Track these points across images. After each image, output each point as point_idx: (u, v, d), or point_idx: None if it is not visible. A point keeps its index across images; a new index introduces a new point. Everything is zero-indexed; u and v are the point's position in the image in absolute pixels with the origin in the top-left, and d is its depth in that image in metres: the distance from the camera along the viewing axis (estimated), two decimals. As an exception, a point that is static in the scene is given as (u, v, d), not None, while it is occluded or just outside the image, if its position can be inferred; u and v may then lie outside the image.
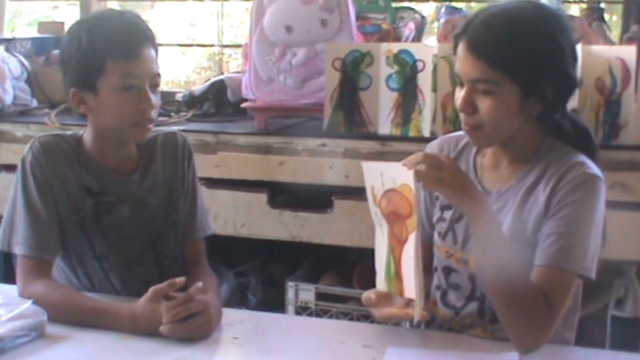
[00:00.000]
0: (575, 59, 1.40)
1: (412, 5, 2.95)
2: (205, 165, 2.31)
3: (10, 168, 2.24)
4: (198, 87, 2.84)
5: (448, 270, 1.53)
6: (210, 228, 1.76)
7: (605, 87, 2.11)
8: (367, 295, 1.42)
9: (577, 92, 2.05)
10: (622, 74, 2.10)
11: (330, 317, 2.38)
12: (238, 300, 2.63)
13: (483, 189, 1.46)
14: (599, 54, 2.12)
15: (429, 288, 1.59)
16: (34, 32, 3.42)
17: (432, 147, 1.59)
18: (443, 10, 2.59)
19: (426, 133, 2.23)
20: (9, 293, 1.50)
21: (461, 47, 1.38)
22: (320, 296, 2.41)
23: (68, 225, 1.60)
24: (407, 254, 1.32)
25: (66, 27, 1.62)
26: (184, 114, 2.72)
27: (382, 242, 1.37)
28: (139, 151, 1.68)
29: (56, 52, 2.86)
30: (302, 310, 2.42)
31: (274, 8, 2.38)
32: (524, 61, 1.33)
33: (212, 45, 3.63)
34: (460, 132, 1.53)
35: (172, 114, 2.73)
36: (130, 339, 1.40)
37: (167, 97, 2.82)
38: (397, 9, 2.73)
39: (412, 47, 2.26)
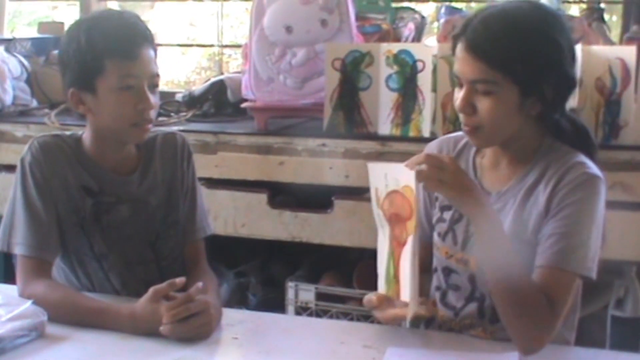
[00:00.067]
0: (574, 58, 1.40)
1: (412, 5, 2.95)
2: (205, 166, 2.31)
3: (10, 168, 2.24)
4: (198, 88, 2.83)
5: (448, 271, 1.53)
6: (210, 228, 1.76)
7: (605, 87, 2.11)
8: (369, 297, 1.42)
9: (577, 92, 2.06)
10: (622, 74, 2.10)
11: (330, 317, 2.38)
12: (238, 300, 2.63)
13: (483, 190, 1.46)
14: (599, 54, 2.12)
15: (428, 289, 1.59)
16: (33, 32, 3.42)
17: (431, 148, 1.59)
18: (443, 10, 2.59)
19: (426, 133, 2.23)
20: (9, 293, 1.50)
21: (460, 47, 1.38)
22: (320, 296, 2.41)
23: (68, 225, 1.60)
24: (405, 256, 1.32)
25: (66, 27, 1.62)
26: (183, 114, 2.72)
27: (383, 245, 1.37)
28: (139, 151, 1.68)
29: (56, 52, 2.85)
30: (302, 310, 2.42)
31: (274, 8, 2.38)
32: (523, 61, 1.33)
33: (212, 46, 3.63)
34: (460, 133, 1.53)
35: (172, 114, 2.73)
36: (131, 339, 1.40)
37: (167, 97, 2.83)
38: (397, 9, 2.73)
39: (412, 47, 2.26)
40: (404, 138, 2.25)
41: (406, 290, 1.31)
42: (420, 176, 1.29)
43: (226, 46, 3.50)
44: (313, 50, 2.37)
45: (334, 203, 2.29)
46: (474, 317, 1.49)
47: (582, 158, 1.41)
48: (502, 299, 1.35)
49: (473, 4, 3.17)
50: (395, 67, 2.25)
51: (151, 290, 1.42)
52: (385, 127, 2.28)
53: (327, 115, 2.32)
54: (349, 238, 2.29)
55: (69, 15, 4.08)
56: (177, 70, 4.64)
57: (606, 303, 2.18)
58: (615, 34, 2.76)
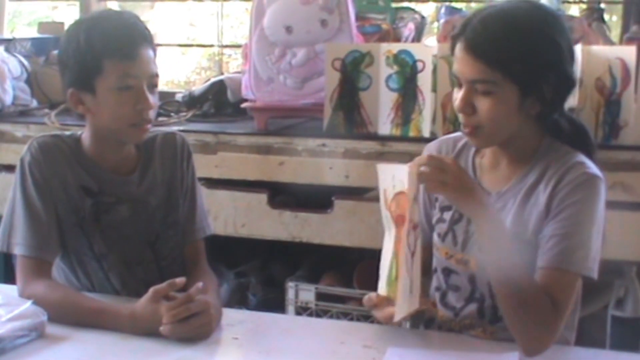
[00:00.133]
0: (573, 57, 1.40)
1: (412, 5, 2.95)
2: (205, 166, 2.31)
3: (10, 168, 2.24)
4: (198, 88, 2.83)
5: (448, 272, 1.53)
6: (210, 228, 1.76)
7: (605, 87, 2.11)
8: (369, 296, 1.42)
9: (577, 92, 2.06)
10: (622, 74, 2.10)
11: (331, 317, 2.38)
12: (238, 300, 2.63)
13: (482, 190, 1.45)
14: (599, 54, 2.12)
15: (428, 290, 1.59)
16: (33, 33, 3.42)
17: (430, 149, 1.59)
18: (443, 10, 2.59)
19: (426, 133, 2.23)
20: (9, 293, 1.50)
21: (459, 47, 1.37)
22: (320, 296, 2.41)
23: (67, 225, 1.60)
24: (386, 255, 1.32)
25: (66, 27, 1.62)
26: (183, 114, 2.72)
27: (388, 246, 1.36)
28: (138, 151, 1.68)
29: (56, 52, 2.85)
30: (302, 310, 2.42)
31: (273, 8, 2.38)
32: (522, 61, 1.33)
33: (212, 46, 3.63)
34: (459, 133, 1.52)
35: (172, 114, 2.73)
36: (131, 339, 1.40)
37: (167, 97, 2.83)
38: (397, 9, 2.73)
39: (412, 48, 2.26)
40: (404, 138, 2.25)
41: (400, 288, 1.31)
42: (422, 177, 1.28)
43: (226, 46, 3.50)
44: (313, 50, 2.37)
45: (334, 203, 2.29)
46: (474, 317, 1.49)
47: (582, 158, 1.41)
48: (506, 300, 1.35)
49: (473, 4, 3.17)
50: (395, 67, 2.25)
51: (151, 290, 1.42)
52: (385, 127, 2.28)
53: (327, 115, 2.32)
54: (349, 238, 2.29)
55: (69, 15, 4.08)
56: (177, 70, 4.64)
57: (606, 303, 2.18)
58: (615, 34, 2.76)
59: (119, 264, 1.64)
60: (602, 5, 2.69)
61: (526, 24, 1.35)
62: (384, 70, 2.26)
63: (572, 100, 1.78)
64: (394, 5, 2.74)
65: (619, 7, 3.00)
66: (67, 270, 1.64)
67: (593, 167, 1.39)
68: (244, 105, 2.53)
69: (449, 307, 1.53)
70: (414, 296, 1.35)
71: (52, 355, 1.35)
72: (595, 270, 1.35)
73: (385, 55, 2.25)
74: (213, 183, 2.38)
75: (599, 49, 2.18)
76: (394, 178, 1.31)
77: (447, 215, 1.52)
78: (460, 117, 1.41)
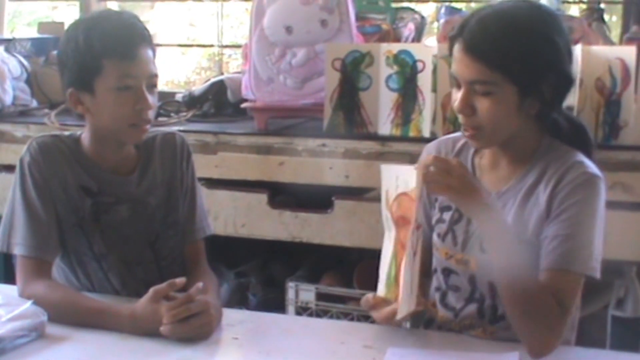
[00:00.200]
0: (571, 56, 1.40)
1: (412, 5, 2.95)
2: (205, 166, 2.31)
3: (10, 168, 2.24)
4: (198, 88, 2.83)
5: (447, 272, 1.52)
6: (210, 228, 1.76)
7: (605, 88, 2.11)
8: (366, 298, 1.42)
9: (577, 93, 2.06)
10: (622, 74, 2.10)
11: (331, 317, 2.38)
12: (238, 300, 2.63)
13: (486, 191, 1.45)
14: (599, 55, 2.12)
15: (428, 290, 1.59)
16: (33, 33, 3.42)
17: (429, 149, 1.59)
18: (443, 10, 2.59)
19: (426, 133, 2.23)
20: (9, 293, 1.50)
21: (457, 48, 1.37)
22: (320, 296, 2.41)
23: (67, 225, 1.60)
24: (385, 254, 1.32)
25: (66, 28, 1.62)
26: (183, 114, 2.72)
27: (388, 247, 1.36)
28: (138, 151, 1.68)
29: (56, 52, 2.85)
30: (302, 310, 2.42)
31: (273, 8, 2.38)
32: (521, 61, 1.33)
33: (211, 46, 3.63)
34: (458, 133, 1.52)
35: (172, 114, 2.73)
36: (131, 339, 1.40)
37: (167, 97, 2.83)
38: (397, 9, 2.73)
39: (412, 48, 2.26)
40: (404, 138, 2.25)
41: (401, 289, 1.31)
42: (427, 178, 1.28)
43: (226, 46, 3.50)
44: (313, 50, 2.38)
45: (334, 203, 2.29)
46: (474, 317, 1.49)
47: (581, 157, 1.41)
48: (512, 302, 1.34)
49: (473, 4, 3.17)
50: (395, 68, 2.25)
51: (151, 290, 1.42)
52: (385, 127, 2.28)
53: (327, 115, 2.32)
54: (349, 238, 2.29)
55: (69, 15, 4.08)
56: (177, 71, 4.64)
57: (606, 303, 2.18)
58: (615, 34, 2.76)
59: (119, 264, 1.64)
60: (602, 6, 2.69)
61: (524, 24, 1.35)
62: (384, 71, 2.26)
63: (570, 99, 1.77)
64: (394, 5, 2.74)
65: (619, 7, 3.00)
66: (67, 271, 1.64)
67: (592, 167, 1.39)
68: (244, 105, 2.53)
69: (449, 307, 1.53)
70: (413, 296, 1.35)
71: (52, 355, 1.35)
72: (598, 269, 1.36)
73: (385, 55, 2.25)
74: (213, 183, 2.38)
75: (599, 49, 2.18)
76: (398, 179, 1.31)
77: (447, 216, 1.52)
78: (460, 118, 1.41)
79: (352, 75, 2.29)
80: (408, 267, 1.30)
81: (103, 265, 1.63)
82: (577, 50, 2.09)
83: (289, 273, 2.54)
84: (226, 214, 2.38)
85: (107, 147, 1.62)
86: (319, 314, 2.40)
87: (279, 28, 2.38)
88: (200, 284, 1.44)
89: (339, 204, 2.29)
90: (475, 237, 1.46)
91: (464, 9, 2.73)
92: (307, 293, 2.42)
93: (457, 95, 1.38)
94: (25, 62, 2.89)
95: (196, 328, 1.40)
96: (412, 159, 1.31)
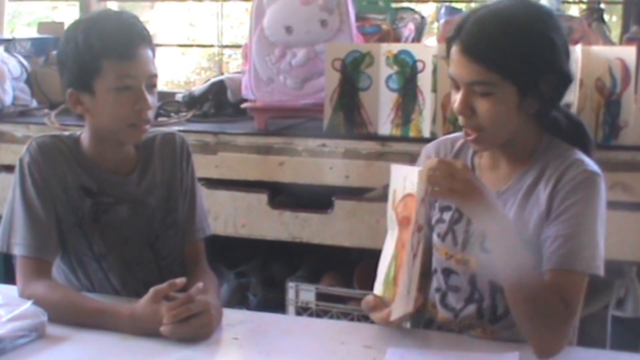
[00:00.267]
0: (568, 54, 1.39)
1: (412, 5, 2.95)
2: (205, 166, 2.31)
3: (10, 169, 2.24)
4: (198, 88, 2.83)
5: (447, 272, 1.52)
6: (210, 229, 1.76)
7: (605, 88, 2.11)
8: (366, 300, 1.42)
9: (577, 93, 2.06)
10: (622, 74, 2.10)
11: (331, 317, 2.38)
12: (238, 300, 2.63)
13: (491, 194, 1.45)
14: (599, 55, 2.12)
15: (428, 291, 1.59)
16: (33, 33, 3.42)
17: (428, 149, 1.59)
18: (443, 10, 2.59)
19: (426, 133, 2.23)
20: (9, 294, 1.50)
21: (455, 49, 1.37)
22: (320, 296, 2.41)
23: (67, 225, 1.60)
24: (386, 254, 1.32)
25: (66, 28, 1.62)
26: (183, 114, 2.72)
27: (389, 247, 1.36)
28: (137, 151, 1.68)
29: (55, 52, 2.86)
30: (302, 310, 2.42)
31: (273, 8, 2.38)
32: (520, 60, 1.33)
33: (211, 46, 3.63)
34: (457, 134, 1.52)
35: (172, 114, 2.73)
36: (131, 339, 1.40)
37: (167, 97, 2.83)
38: (397, 9, 2.73)
39: (412, 48, 2.26)
40: (404, 138, 2.25)
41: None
42: (431, 181, 1.28)
43: (226, 46, 3.50)
44: (313, 50, 2.38)
45: (334, 203, 2.29)
46: (473, 318, 1.49)
47: (581, 155, 1.41)
48: (519, 303, 1.34)
49: (473, 4, 3.17)
50: (395, 68, 2.25)
51: (152, 290, 1.42)
52: (385, 127, 2.28)
53: (327, 115, 2.32)
54: (349, 238, 2.29)
55: (68, 16, 4.08)
56: (177, 71, 4.64)
57: (606, 303, 2.18)
58: (615, 34, 2.76)
59: (119, 264, 1.64)
60: (602, 6, 2.69)
61: (521, 23, 1.35)
62: (384, 71, 2.26)
63: (569, 97, 1.77)
64: (394, 5, 2.74)
65: (619, 7, 3.00)
66: (67, 271, 1.64)
67: (592, 164, 1.39)
68: (244, 105, 2.53)
69: (448, 308, 1.53)
70: (410, 298, 1.35)
71: (52, 355, 1.35)
72: (601, 267, 1.36)
73: (385, 55, 2.25)
74: (213, 183, 2.38)
75: (599, 49, 2.18)
76: (406, 179, 1.31)
77: (447, 216, 1.52)
78: (460, 119, 1.40)
79: (352, 75, 2.29)
80: (406, 268, 1.30)
81: (103, 266, 1.63)
82: (577, 50, 2.09)
83: (289, 273, 2.54)
84: (226, 214, 2.38)
85: (107, 147, 1.62)
86: (319, 314, 2.40)
87: (279, 28, 2.38)
88: (200, 284, 1.44)
89: (339, 204, 2.29)
90: (475, 237, 1.46)
91: (463, 10, 2.73)
92: (307, 293, 2.42)
93: (457, 97, 1.38)
94: (25, 62, 2.89)
95: (196, 328, 1.40)
96: (412, 159, 1.31)
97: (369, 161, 2.25)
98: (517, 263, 1.33)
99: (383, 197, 2.24)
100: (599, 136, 2.11)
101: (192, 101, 2.77)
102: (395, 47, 2.27)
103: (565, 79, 1.40)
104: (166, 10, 4.54)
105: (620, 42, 2.59)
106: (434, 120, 2.22)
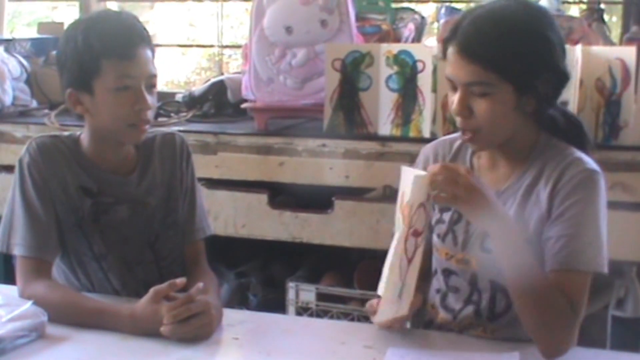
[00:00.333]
0: (564, 52, 1.39)
1: (412, 6, 2.95)
2: (205, 166, 2.31)
3: (10, 169, 2.23)
4: (198, 88, 2.83)
5: (448, 273, 1.52)
6: (210, 229, 1.76)
7: (605, 88, 2.11)
8: (370, 303, 1.42)
9: (577, 93, 2.06)
10: (622, 74, 2.10)
11: (331, 317, 2.38)
12: (238, 300, 2.63)
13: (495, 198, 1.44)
14: (599, 55, 2.12)
15: (427, 292, 1.59)
16: (33, 33, 3.42)
17: (426, 150, 1.59)
18: (443, 11, 2.59)
19: (426, 134, 2.23)
20: (9, 294, 1.50)
21: (451, 50, 1.37)
22: (320, 297, 2.41)
23: (66, 225, 1.60)
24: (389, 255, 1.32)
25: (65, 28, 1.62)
26: (183, 114, 2.72)
27: (394, 248, 1.36)
28: (137, 151, 1.68)
29: (55, 52, 2.86)
30: (302, 310, 2.42)
31: (273, 8, 2.38)
32: (516, 60, 1.32)
33: (211, 46, 3.63)
34: (456, 134, 1.52)
35: (172, 114, 2.73)
36: (131, 339, 1.40)
37: (167, 97, 2.83)
38: (397, 9, 2.73)
39: (412, 48, 2.26)
40: (404, 138, 2.25)
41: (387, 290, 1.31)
42: (434, 187, 1.28)
43: (226, 46, 3.50)
44: (313, 50, 2.38)
45: (334, 203, 2.29)
46: (472, 318, 1.49)
47: (579, 154, 1.41)
48: (526, 306, 1.34)
49: (473, 4, 3.17)
50: (395, 68, 2.25)
51: (152, 290, 1.42)
52: (385, 127, 2.28)
53: (327, 115, 2.32)
54: (349, 238, 2.29)
55: (68, 16, 4.08)
56: (177, 71, 4.64)
57: (606, 303, 2.18)
58: (615, 34, 2.76)
59: (119, 264, 1.64)
60: (602, 6, 2.69)
61: (517, 23, 1.34)
62: (384, 71, 2.26)
63: (565, 95, 1.77)
64: (394, 5, 2.74)
65: (619, 7, 3.00)
66: (67, 271, 1.64)
67: (591, 162, 1.39)
68: (244, 105, 2.53)
69: (448, 309, 1.53)
70: (403, 302, 1.35)
71: (52, 355, 1.35)
72: (605, 265, 1.36)
73: (385, 55, 2.25)
74: (213, 183, 2.38)
75: (599, 49, 2.18)
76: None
77: (447, 216, 1.51)
78: (458, 120, 1.40)
79: (352, 75, 2.29)
80: (399, 272, 1.30)
81: (103, 266, 1.63)
82: (577, 50, 2.09)
83: (289, 273, 2.54)
84: (226, 214, 2.38)
85: (107, 147, 1.62)
86: (320, 314, 2.40)
87: (279, 28, 2.38)
88: (200, 284, 1.44)
89: (339, 204, 2.29)
90: (475, 237, 1.46)
91: (464, 9, 2.73)
92: (308, 293, 2.42)
93: (454, 98, 1.38)
94: (25, 63, 2.89)
95: (197, 328, 1.40)
96: (412, 159, 1.31)
97: (369, 161, 2.25)
98: (522, 264, 1.32)
99: (383, 197, 2.25)
100: (599, 136, 2.11)
101: (192, 101, 2.77)
102: (395, 47, 2.27)
103: (562, 77, 1.40)
104: (166, 10, 4.54)
105: (620, 42, 2.59)
106: (434, 121, 2.22)
